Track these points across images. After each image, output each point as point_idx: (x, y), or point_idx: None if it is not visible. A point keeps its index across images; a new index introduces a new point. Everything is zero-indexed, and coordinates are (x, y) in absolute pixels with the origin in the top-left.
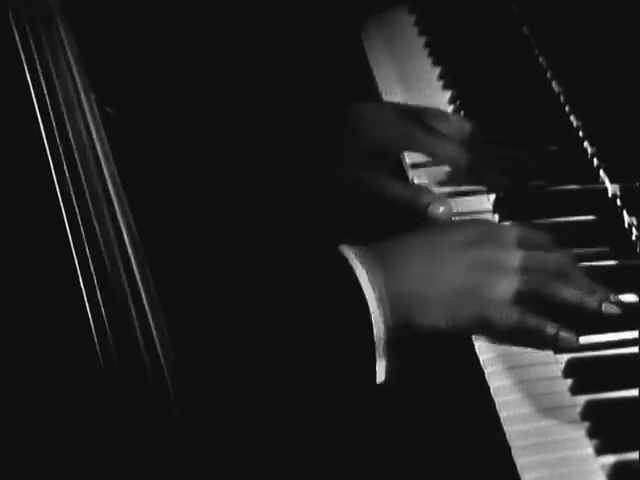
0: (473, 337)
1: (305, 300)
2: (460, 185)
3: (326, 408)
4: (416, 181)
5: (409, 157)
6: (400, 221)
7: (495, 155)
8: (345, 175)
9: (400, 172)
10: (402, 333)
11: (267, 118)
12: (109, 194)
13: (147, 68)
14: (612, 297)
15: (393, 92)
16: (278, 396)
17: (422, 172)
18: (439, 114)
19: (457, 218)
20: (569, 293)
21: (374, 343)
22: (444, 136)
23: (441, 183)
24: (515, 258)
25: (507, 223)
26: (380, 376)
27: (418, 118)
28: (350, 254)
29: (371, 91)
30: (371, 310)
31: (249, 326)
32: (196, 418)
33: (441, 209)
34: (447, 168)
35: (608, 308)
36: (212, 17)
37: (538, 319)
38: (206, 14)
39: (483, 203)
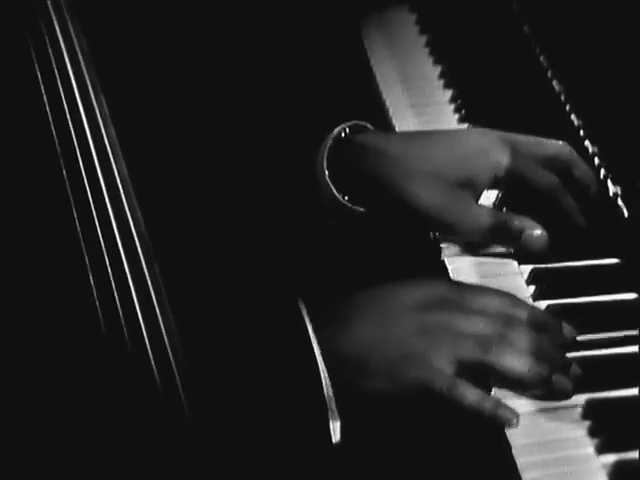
0: None
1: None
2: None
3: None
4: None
5: None
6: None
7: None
8: (420, 198)
9: None
10: (350, 394)
11: (268, 118)
12: (118, 191)
13: (150, 68)
14: (573, 366)
15: (394, 91)
16: (283, 398)
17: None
18: (535, 141)
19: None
20: (513, 363)
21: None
22: (538, 164)
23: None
24: (467, 323)
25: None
26: (335, 436)
27: (512, 145)
28: (303, 310)
29: (371, 90)
30: (319, 369)
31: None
32: (207, 421)
33: (536, 233)
34: None
35: (558, 381)
36: (212, 17)
37: (477, 394)
38: (206, 14)
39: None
